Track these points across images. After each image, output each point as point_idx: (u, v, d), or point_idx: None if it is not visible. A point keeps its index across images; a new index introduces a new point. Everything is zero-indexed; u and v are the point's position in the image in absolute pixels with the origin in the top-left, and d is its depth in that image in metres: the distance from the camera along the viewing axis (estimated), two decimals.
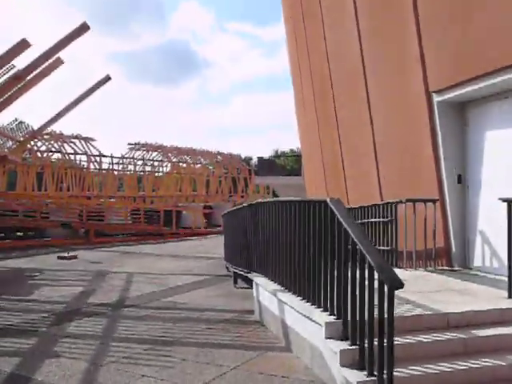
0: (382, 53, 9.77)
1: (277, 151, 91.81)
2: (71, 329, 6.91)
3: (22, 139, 17.46)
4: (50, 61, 12.03)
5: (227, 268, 12.39)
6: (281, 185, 32.20)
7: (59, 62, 12.65)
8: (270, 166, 33.64)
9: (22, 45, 10.78)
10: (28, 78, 11.73)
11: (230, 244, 11.12)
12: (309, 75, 15.01)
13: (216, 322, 7.14)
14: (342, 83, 12.19)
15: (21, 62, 11.71)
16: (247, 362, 5.32)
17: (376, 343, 3.68)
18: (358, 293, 4.11)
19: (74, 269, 13.17)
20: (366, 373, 3.92)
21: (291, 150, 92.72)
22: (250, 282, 9.38)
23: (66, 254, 15.34)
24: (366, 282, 4.01)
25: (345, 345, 4.26)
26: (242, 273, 9.15)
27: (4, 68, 11.26)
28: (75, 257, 15.48)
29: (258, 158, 32.64)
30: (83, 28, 11.84)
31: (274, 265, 6.44)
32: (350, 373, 4.03)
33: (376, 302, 3.75)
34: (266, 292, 6.56)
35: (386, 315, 3.63)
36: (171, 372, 5.06)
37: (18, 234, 23.40)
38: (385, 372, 3.64)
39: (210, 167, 45.20)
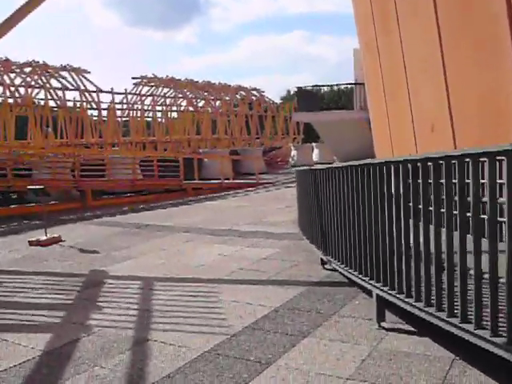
0: None
1: (289, 91, 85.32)
2: None
3: None
4: None
5: (322, 262, 7.15)
6: (322, 122, 26.36)
7: None
8: (311, 98, 27.63)
9: None
10: None
11: (345, 226, 5.68)
12: None
13: None
14: None
15: None
16: None
17: None
18: None
19: (47, 269, 7.88)
20: None
21: None
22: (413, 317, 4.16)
23: (41, 237, 10.06)
24: None
25: None
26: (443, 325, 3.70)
27: None
28: (57, 239, 10.22)
29: (298, 88, 26.56)
30: None
31: None
32: None
33: None
34: None
35: None
36: None
37: None
38: None
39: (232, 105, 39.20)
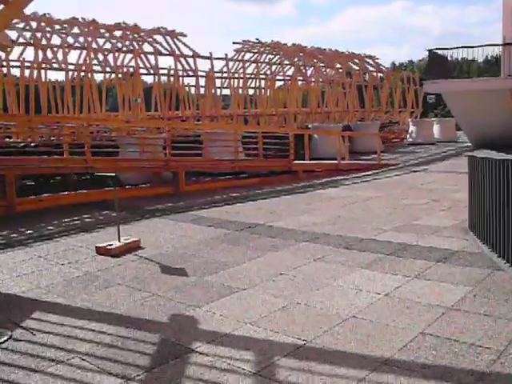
0: None
1: (394, 64, 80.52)
2: None
3: None
4: None
5: None
6: (457, 93, 22.17)
7: None
8: (444, 65, 23.47)
9: None
10: None
11: None
12: None
13: None
14: None
15: None
16: None
17: None
18: None
19: (107, 308, 5.21)
20: None
21: (410, 62, 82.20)
22: None
23: (114, 243, 7.54)
24: None
25: None
26: None
27: None
28: (134, 246, 7.68)
29: (429, 51, 22.63)
30: None
31: None
32: None
33: None
34: None
35: None
36: None
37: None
38: None
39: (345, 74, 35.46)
